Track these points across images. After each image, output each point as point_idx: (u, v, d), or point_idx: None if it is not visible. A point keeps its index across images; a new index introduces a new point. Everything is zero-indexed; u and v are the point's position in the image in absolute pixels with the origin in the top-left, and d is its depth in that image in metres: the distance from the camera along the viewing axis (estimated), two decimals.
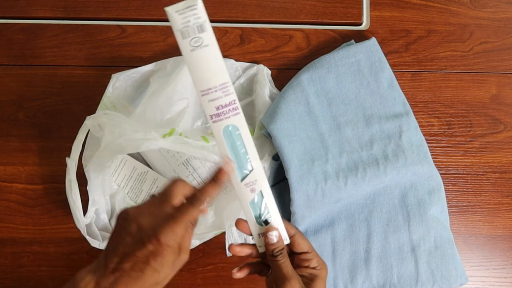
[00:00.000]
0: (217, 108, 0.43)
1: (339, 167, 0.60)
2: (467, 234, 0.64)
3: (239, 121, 0.43)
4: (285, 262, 0.45)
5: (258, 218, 0.46)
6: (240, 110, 0.44)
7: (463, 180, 0.65)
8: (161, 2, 0.69)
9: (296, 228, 0.47)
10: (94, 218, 0.59)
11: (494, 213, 0.64)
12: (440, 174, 0.64)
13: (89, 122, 0.58)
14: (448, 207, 0.63)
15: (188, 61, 0.42)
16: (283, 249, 0.45)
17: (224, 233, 0.60)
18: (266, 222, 0.46)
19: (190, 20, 0.41)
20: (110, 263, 0.40)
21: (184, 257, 0.42)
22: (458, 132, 0.66)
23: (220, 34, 0.68)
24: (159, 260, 0.40)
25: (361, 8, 0.70)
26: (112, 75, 0.63)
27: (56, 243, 0.62)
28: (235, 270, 0.47)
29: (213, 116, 0.43)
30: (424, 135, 0.64)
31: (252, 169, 0.45)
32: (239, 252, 0.47)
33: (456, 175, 0.65)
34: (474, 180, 0.65)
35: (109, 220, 0.61)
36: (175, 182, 0.44)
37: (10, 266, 0.62)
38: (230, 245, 0.47)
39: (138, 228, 0.41)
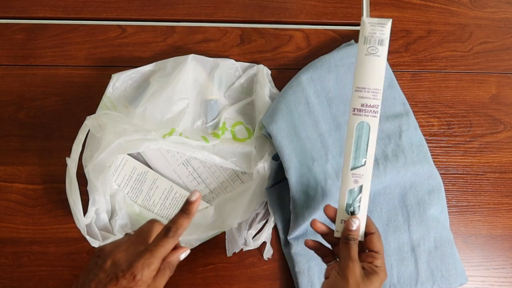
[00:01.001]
0: (362, 105, 0.49)
1: (339, 167, 0.60)
2: (467, 234, 0.64)
3: (374, 123, 0.49)
4: (354, 247, 0.47)
5: (348, 206, 0.50)
6: (378, 116, 0.49)
7: (463, 180, 0.65)
8: (161, 2, 0.69)
9: (377, 230, 0.50)
10: (94, 218, 0.59)
11: (494, 213, 0.64)
12: (440, 174, 0.64)
13: (89, 122, 0.58)
14: (448, 207, 0.64)
15: (359, 61, 0.49)
16: (356, 238, 0.48)
17: (224, 233, 0.60)
18: (352, 213, 0.50)
19: (376, 33, 0.49)
20: None
21: None
22: (458, 132, 0.67)
23: (220, 34, 0.68)
24: None
25: (361, 8, 0.70)
26: (112, 75, 0.63)
27: (56, 243, 0.62)
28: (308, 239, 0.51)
29: (356, 110, 0.49)
30: (424, 135, 0.64)
31: (364, 165, 0.49)
32: (320, 227, 0.50)
33: (456, 175, 0.65)
34: (474, 180, 0.65)
35: (109, 220, 0.61)
36: (152, 222, 0.46)
37: (10, 266, 0.62)
38: (313, 220, 0.50)
39: (113, 264, 0.42)
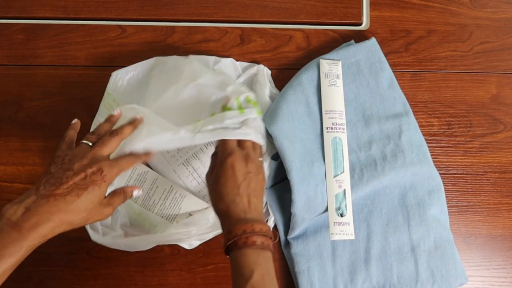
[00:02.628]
0: (333, 124, 0.61)
1: None
2: (467, 234, 0.64)
3: (344, 137, 0.61)
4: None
5: (337, 209, 0.58)
6: (345, 131, 0.61)
7: (463, 180, 0.65)
8: (161, 2, 0.69)
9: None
10: None
11: (494, 213, 0.64)
12: (440, 174, 0.64)
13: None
14: (448, 207, 0.63)
15: (323, 91, 0.62)
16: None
17: None
18: (341, 215, 0.58)
19: (333, 70, 0.63)
20: (43, 190, 0.44)
21: (108, 211, 0.48)
22: (458, 132, 0.66)
23: (220, 34, 0.68)
24: (96, 189, 0.45)
25: (361, 8, 0.70)
26: (112, 73, 0.62)
27: (56, 243, 0.62)
28: None
29: (328, 128, 0.61)
30: (424, 135, 0.64)
31: (343, 172, 0.59)
32: None
33: (456, 175, 0.65)
34: (474, 180, 0.65)
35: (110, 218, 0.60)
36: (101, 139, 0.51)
37: None
38: None
39: (81, 165, 0.46)
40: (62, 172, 0.45)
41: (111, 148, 0.49)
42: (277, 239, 0.53)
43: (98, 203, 0.47)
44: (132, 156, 0.50)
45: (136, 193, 0.52)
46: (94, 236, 0.57)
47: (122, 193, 0.50)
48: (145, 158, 0.51)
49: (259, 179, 0.52)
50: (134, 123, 0.52)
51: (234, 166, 0.50)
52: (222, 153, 0.51)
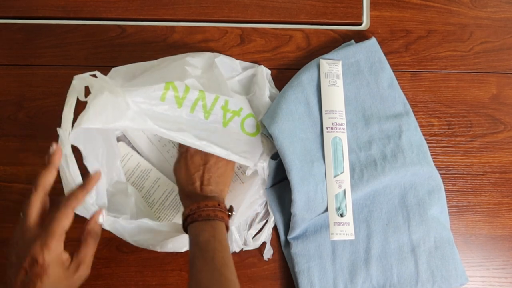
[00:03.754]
0: (333, 124, 0.61)
1: None
2: (467, 234, 0.64)
3: (344, 137, 0.61)
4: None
5: (337, 209, 0.58)
6: (345, 131, 0.61)
7: (463, 180, 0.65)
8: (161, 2, 0.69)
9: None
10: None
11: (494, 213, 0.64)
12: (440, 174, 0.64)
13: (77, 82, 0.51)
14: (448, 207, 0.63)
15: (323, 90, 0.62)
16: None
17: None
18: (342, 215, 0.58)
19: (333, 70, 0.63)
20: None
21: (83, 272, 0.43)
22: (458, 132, 0.66)
23: (220, 34, 0.68)
24: (45, 279, 0.40)
25: (361, 8, 0.69)
26: (112, 69, 0.61)
27: None
28: None
29: (328, 128, 0.61)
30: (424, 135, 0.64)
31: (343, 172, 0.59)
32: None
33: (456, 175, 0.65)
34: (474, 180, 0.65)
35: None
36: (25, 203, 0.44)
37: None
38: None
39: (17, 256, 0.40)
40: (7, 270, 0.41)
41: (32, 211, 0.42)
42: (232, 212, 0.55)
43: (62, 280, 0.41)
44: (60, 213, 0.42)
45: (101, 219, 0.47)
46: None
47: (89, 238, 0.44)
48: (84, 192, 0.44)
49: (219, 167, 0.56)
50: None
51: (187, 160, 0.55)
52: (180, 148, 0.57)
